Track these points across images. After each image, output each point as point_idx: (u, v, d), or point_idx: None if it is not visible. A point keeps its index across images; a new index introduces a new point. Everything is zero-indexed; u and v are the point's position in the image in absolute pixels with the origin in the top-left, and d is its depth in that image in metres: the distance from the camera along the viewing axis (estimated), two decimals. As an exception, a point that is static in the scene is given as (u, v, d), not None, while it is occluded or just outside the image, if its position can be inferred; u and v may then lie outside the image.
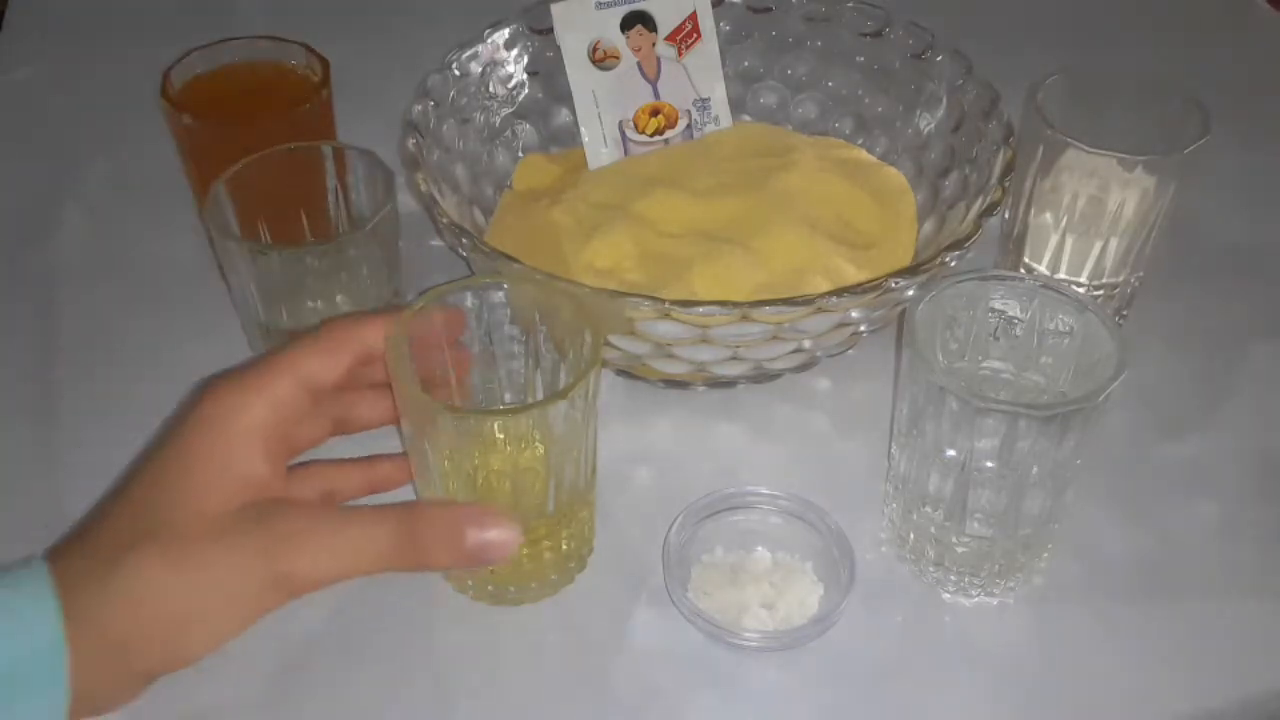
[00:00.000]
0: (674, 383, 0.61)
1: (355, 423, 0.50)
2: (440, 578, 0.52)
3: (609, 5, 0.67)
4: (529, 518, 0.49)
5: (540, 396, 0.52)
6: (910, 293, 0.53)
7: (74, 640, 0.39)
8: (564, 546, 0.51)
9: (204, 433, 0.42)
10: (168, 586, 0.40)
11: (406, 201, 0.58)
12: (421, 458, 0.47)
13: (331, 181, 0.58)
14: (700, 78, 0.70)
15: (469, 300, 0.50)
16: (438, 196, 0.58)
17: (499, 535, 0.42)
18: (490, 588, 0.51)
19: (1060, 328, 0.50)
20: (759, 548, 0.52)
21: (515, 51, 0.69)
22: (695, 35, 0.70)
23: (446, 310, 0.48)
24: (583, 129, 0.69)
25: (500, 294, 0.50)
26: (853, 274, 0.61)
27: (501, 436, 0.47)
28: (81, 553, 0.41)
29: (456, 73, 0.66)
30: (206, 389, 0.43)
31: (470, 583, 0.51)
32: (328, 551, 0.41)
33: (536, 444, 0.48)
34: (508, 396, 0.54)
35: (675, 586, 0.50)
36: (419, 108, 0.62)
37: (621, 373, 0.61)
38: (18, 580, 0.40)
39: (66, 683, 0.39)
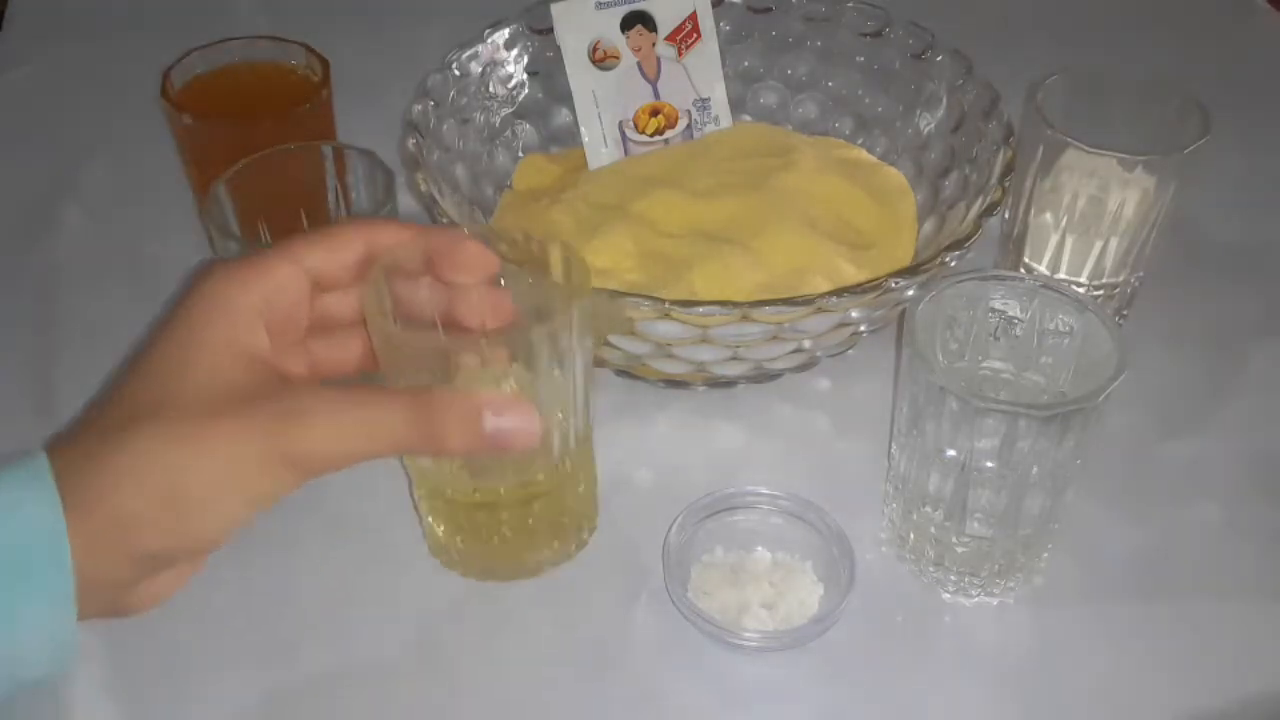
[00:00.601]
0: (674, 383, 0.61)
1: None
2: (429, 560, 0.52)
3: (609, 5, 0.67)
4: (518, 470, 0.47)
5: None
6: (910, 293, 0.53)
7: (75, 523, 0.37)
8: (562, 520, 0.50)
9: (205, 309, 0.40)
10: (171, 462, 0.38)
11: (406, 201, 0.58)
12: None
13: (331, 181, 0.58)
14: (700, 78, 0.70)
15: None
16: (438, 196, 0.58)
17: (518, 421, 0.40)
18: (479, 556, 0.50)
19: (1060, 328, 0.50)
20: (759, 548, 0.52)
21: (515, 51, 0.69)
22: (695, 35, 0.70)
23: (469, 244, 0.45)
24: (583, 129, 0.69)
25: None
26: (853, 274, 0.61)
27: (485, 379, 0.44)
28: (82, 436, 0.39)
29: (456, 73, 0.66)
30: (206, 270, 0.41)
31: (458, 553, 0.50)
32: (338, 429, 0.39)
33: (520, 386, 0.45)
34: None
35: (675, 586, 0.50)
36: (419, 108, 0.63)
37: (621, 373, 0.61)
38: (14, 470, 0.38)
39: (70, 568, 0.37)
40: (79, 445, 0.39)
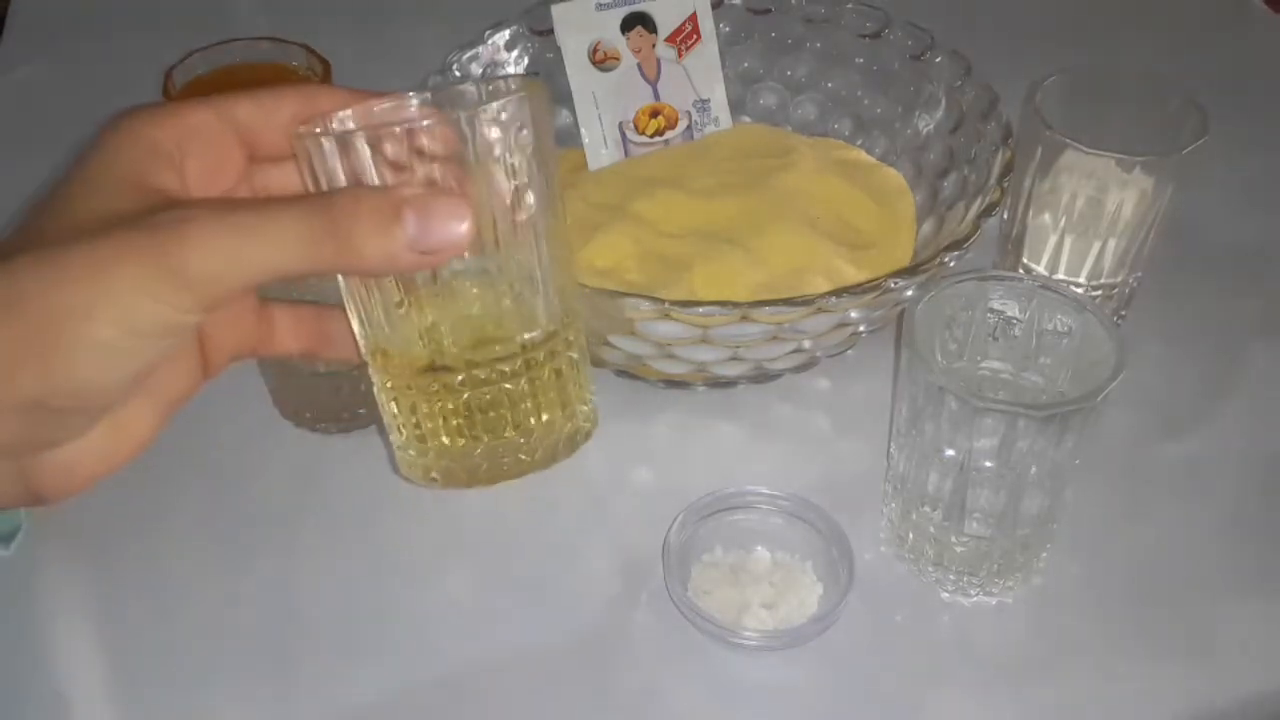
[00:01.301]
0: (674, 383, 0.61)
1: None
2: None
3: (609, 6, 0.68)
4: (497, 359, 0.39)
5: None
6: (909, 293, 0.53)
7: None
8: (552, 394, 0.41)
9: (111, 144, 0.36)
10: (43, 289, 0.33)
11: (406, 202, 0.58)
12: (364, 301, 0.39)
13: (332, 182, 0.58)
14: (700, 79, 0.70)
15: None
16: (438, 197, 0.58)
17: (442, 209, 0.34)
18: (461, 441, 0.40)
19: (1059, 328, 0.50)
20: (759, 547, 0.52)
21: (515, 52, 0.69)
22: (695, 36, 0.70)
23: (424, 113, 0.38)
24: (583, 130, 0.69)
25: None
26: (852, 274, 0.61)
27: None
28: None
29: (456, 73, 0.66)
30: (119, 112, 0.37)
31: (442, 439, 0.40)
32: (227, 238, 0.33)
33: (492, 236, 0.37)
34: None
35: (675, 586, 0.50)
36: (419, 108, 0.63)
37: (621, 373, 0.61)
38: None
39: None
40: None
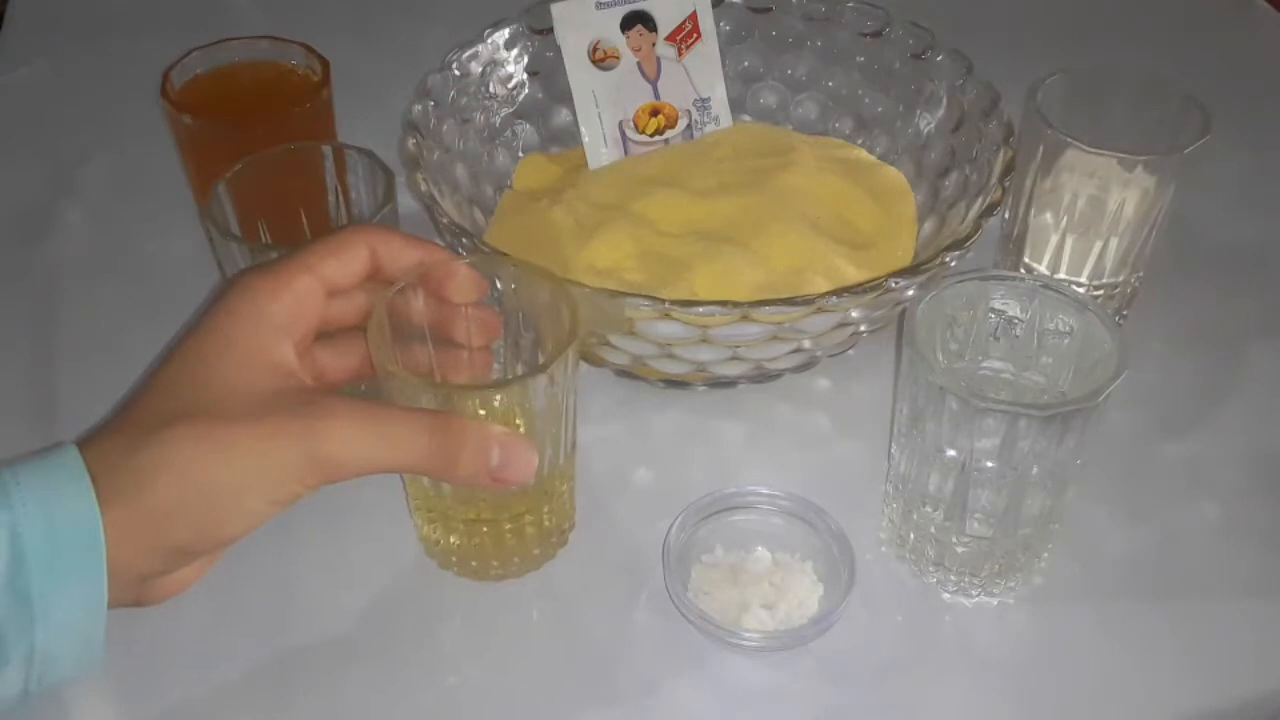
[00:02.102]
0: (674, 383, 0.61)
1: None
2: (426, 559, 0.53)
3: (609, 5, 0.67)
4: (511, 494, 0.49)
5: (519, 374, 0.53)
6: (910, 293, 0.53)
7: (110, 516, 0.39)
8: (545, 522, 0.51)
9: (236, 319, 0.42)
10: (204, 460, 0.40)
11: (406, 201, 0.58)
12: None
13: (331, 181, 0.58)
14: (700, 78, 0.70)
15: None
16: (438, 196, 0.58)
17: (519, 459, 0.43)
18: (474, 563, 0.52)
19: (1060, 328, 0.50)
20: (759, 548, 0.52)
21: (515, 51, 0.69)
22: (695, 35, 0.70)
23: (464, 270, 0.49)
24: (583, 129, 0.69)
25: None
26: (853, 274, 0.61)
27: (483, 413, 0.47)
28: (115, 432, 0.41)
29: (456, 73, 0.66)
30: (235, 280, 0.44)
31: (454, 559, 0.52)
32: (363, 440, 0.41)
33: (517, 420, 0.48)
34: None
35: (675, 586, 0.50)
36: (419, 108, 0.63)
37: (621, 373, 0.61)
38: (49, 461, 0.40)
39: (104, 564, 0.39)
40: (110, 441, 0.40)
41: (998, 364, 0.52)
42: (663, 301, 0.51)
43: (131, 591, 0.42)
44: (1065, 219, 0.62)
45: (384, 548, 0.54)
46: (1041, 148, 0.60)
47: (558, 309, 0.48)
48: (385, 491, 0.54)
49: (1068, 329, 0.50)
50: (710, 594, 0.51)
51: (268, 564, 0.53)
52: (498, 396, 0.48)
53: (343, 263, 0.46)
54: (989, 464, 0.48)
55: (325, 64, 0.62)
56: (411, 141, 0.60)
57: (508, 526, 0.50)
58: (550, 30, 0.68)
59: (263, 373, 0.42)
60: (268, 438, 0.40)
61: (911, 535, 0.52)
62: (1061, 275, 0.64)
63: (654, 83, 0.70)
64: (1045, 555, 0.53)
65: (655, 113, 0.70)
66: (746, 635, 0.49)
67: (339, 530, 0.55)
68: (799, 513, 0.53)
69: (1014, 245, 0.65)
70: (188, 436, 0.40)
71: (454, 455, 0.42)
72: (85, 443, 0.41)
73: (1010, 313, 0.51)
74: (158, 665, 0.49)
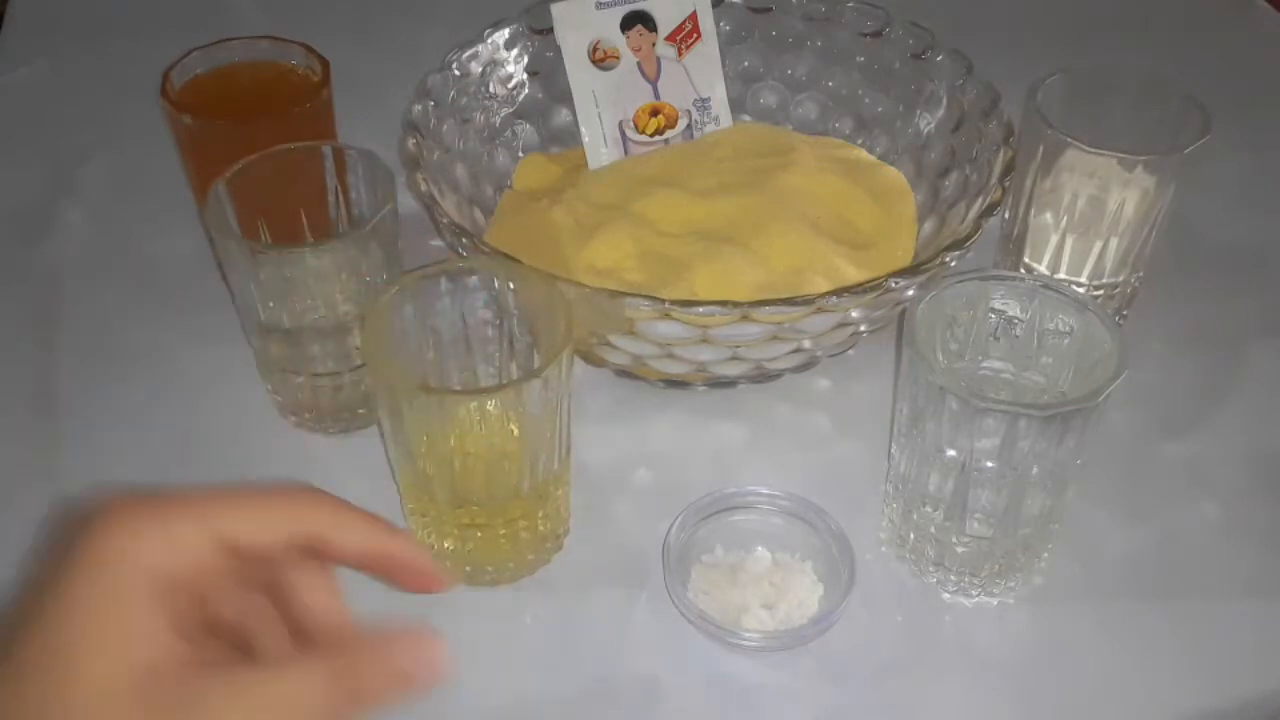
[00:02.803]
0: (674, 383, 0.61)
1: (294, 602, 0.38)
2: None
3: (609, 5, 0.67)
4: (505, 498, 0.49)
5: (515, 378, 0.53)
6: (910, 293, 0.53)
7: None
8: (540, 527, 0.51)
9: (93, 587, 0.33)
10: None
11: (406, 201, 0.58)
12: (398, 440, 0.48)
13: (331, 181, 0.58)
14: (700, 78, 0.70)
15: (443, 285, 0.51)
16: (438, 196, 0.58)
17: (425, 662, 0.36)
18: (468, 568, 0.52)
19: (1060, 328, 0.50)
20: (759, 548, 0.52)
21: (515, 51, 0.69)
22: (695, 35, 0.70)
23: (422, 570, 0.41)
24: (583, 129, 0.69)
25: (474, 279, 0.51)
26: (853, 274, 0.61)
27: (477, 417, 0.47)
28: None
29: (456, 73, 0.66)
30: (98, 523, 0.33)
31: (449, 563, 0.52)
32: None
33: (511, 425, 0.48)
34: (483, 379, 0.54)
35: (675, 586, 0.50)
36: (419, 108, 0.62)
37: (621, 373, 0.61)
38: None
39: None
40: None
41: (998, 364, 0.52)
42: (663, 301, 0.51)
43: None
44: (1065, 219, 0.62)
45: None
46: (1041, 148, 0.60)
47: (553, 312, 0.48)
48: (379, 495, 0.54)
49: (1068, 329, 0.50)
50: (710, 594, 0.51)
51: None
52: (492, 401, 0.48)
53: (255, 525, 0.35)
54: (989, 464, 0.48)
55: (325, 64, 0.62)
56: (411, 141, 0.60)
57: (502, 531, 0.50)
58: (550, 30, 0.68)
59: (127, 675, 0.32)
60: None
61: (911, 535, 0.52)
62: (1061, 275, 0.64)
63: (654, 83, 0.70)
64: (1045, 555, 0.53)
65: (655, 113, 0.70)
66: (746, 635, 0.49)
67: (339, 530, 0.54)
68: (799, 513, 0.53)
69: (1014, 245, 0.65)
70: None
71: (366, 690, 0.35)
72: None
73: (1010, 313, 0.51)
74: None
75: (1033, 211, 0.63)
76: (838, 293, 0.52)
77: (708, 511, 0.53)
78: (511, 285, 0.51)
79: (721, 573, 0.51)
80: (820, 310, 0.52)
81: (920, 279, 0.53)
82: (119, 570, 0.33)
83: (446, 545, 0.51)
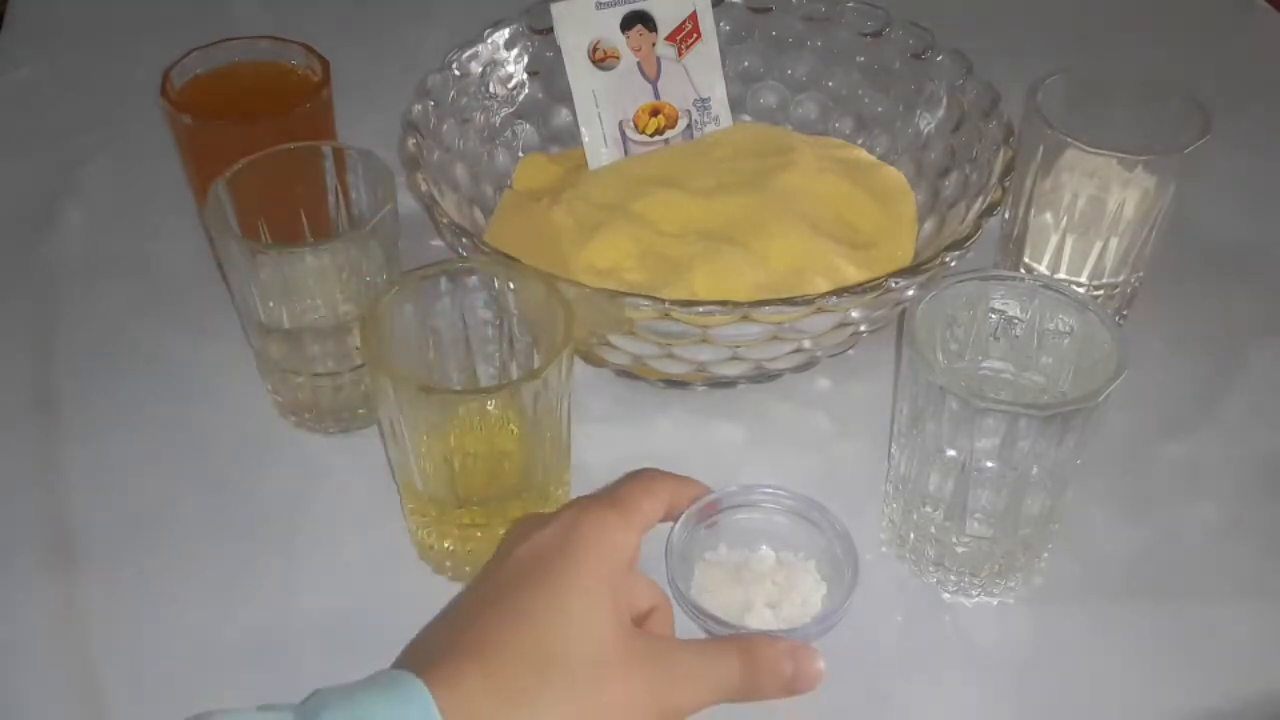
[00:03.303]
0: (674, 383, 0.61)
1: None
2: (421, 563, 0.53)
3: (609, 5, 0.67)
4: (505, 498, 0.49)
5: (515, 378, 0.53)
6: (910, 293, 0.53)
7: None
8: None
9: (595, 566, 0.42)
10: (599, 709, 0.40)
11: (406, 201, 0.58)
12: (398, 440, 0.48)
13: (331, 181, 0.58)
14: (700, 78, 0.70)
15: (443, 284, 0.51)
16: (438, 196, 0.58)
17: (809, 668, 0.45)
18: (468, 568, 0.52)
19: (1060, 328, 0.50)
20: (763, 546, 0.52)
21: (515, 51, 0.69)
22: (695, 35, 0.70)
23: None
24: (583, 129, 0.69)
25: (474, 279, 0.51)
26: (853, 274, 0.61)
27: (477, 417, 0.47)
28: (480, 684, 0.39)
29: (456, 73, 0.66)
30: (586, 520, 0.44)
31: (449, 563, 0.52)
32: (701, 687, 0.42)
33: (511, 425, 0.48)
34: (483, 379, 0.54)
35: (679, 584, 0.50)
36: (419, 108, 0.62)
37: (621, 373, 0.61)
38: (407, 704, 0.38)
39: None
40: (476, 701, 0.38)
41: (998, 364, 0.52)
42: (663, 301, 0.51)
43: None
44: (1065, 219, 0.62)
45: (379, 551, 0.54)
46: (1041, 148, 0.60)
47: (553, 313, 0.48)
48: (380, 496, 0.55)
49: (1068, 329, 0.50)
50: (714, 592, 0.51)
51: (264, 568, 0.53)
52: (492, 401, 0.48)
53: (660, 509, 0.47)
54: (989, 464, 0.48)
55: (325, 64, 0.62)
56: (411, 141, 0.60)
57: (502, 531, 0.50)
58: (550, 30, 0.68)
59: (618, 624, 0.42)
60: (628, 698, 0.41)
61: (911, 535, 0.52)
62: (1061, 275, 0.64)
63: (654, 83, 0.70)
64: (1045, 555, 0.53)
65: (655, 113, 0.70)
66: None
67: (335, 534, 0.55)
68: (803, 511, 0.53)
69: (1014, 245, 0.65)
70: (555, 702, 0.39)
71: (759, 682, 0.44)
72: (438, 686, 0.38)
73: (1010, 313, 0.51)
74: (156, 669, 0.49)
75: (1033, 211, 0.63)
76: (838, 293, 0.52)
77: (710, 511, 0.53)
78: (511, 285, 0.51)
79: (725, 571, 0.51)
80: (820, 310, 0.52)
81: (920, 279, 0.53)
82: (604, 560, 0.42)
83: (446, 545, 0.51)
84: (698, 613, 0.49)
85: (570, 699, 0.39)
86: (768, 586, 0.51)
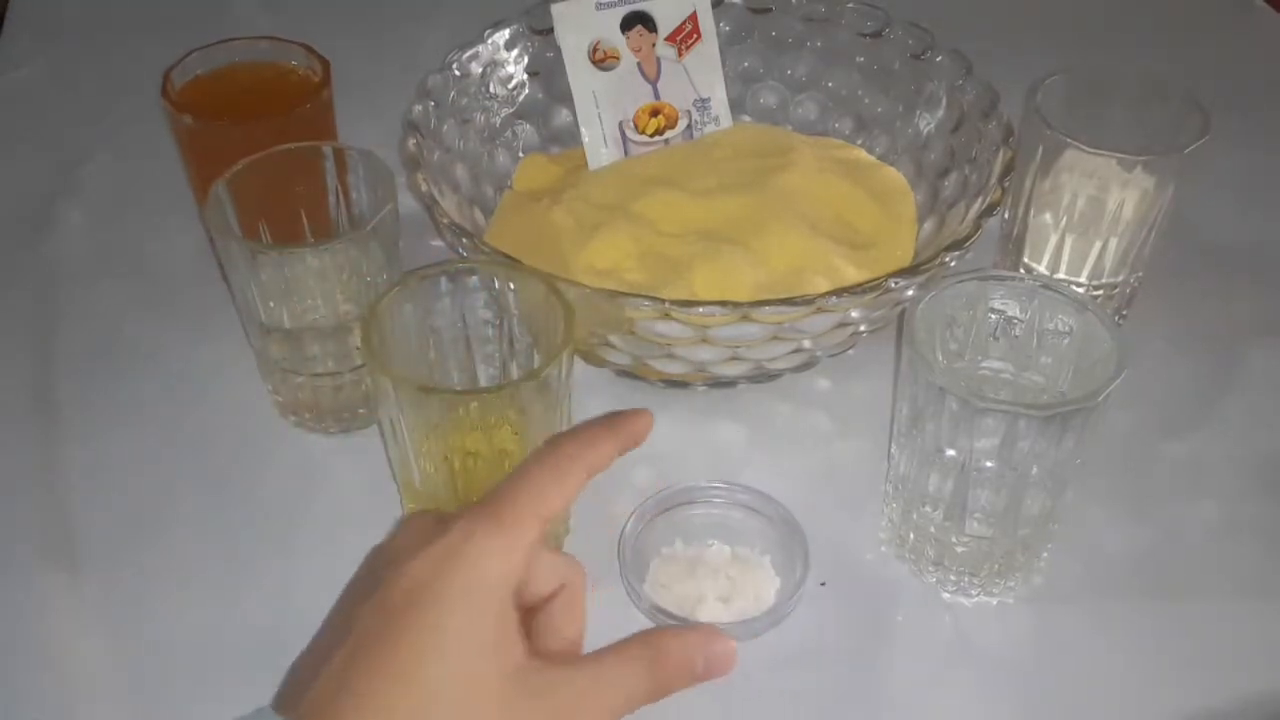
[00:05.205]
0: (674, 383, 0.61)
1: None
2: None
3: (609, 6, 0.67)
4: None
5: (515, 378, 0.53)
6: (910, 293, 0.53)
7: None
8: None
9: (473, 606, 0.38)
10: None
11: (406, 201, 0.58)
12: (398, 440, 0.48)
13: (331, 181, 0.58)
14: (700, 78, 0.70)
15: (443, 284, 0.51)
16: (438, 196, 0.58)
17: (720, 654, 0.42)
18: None
19: (1060, 328, 0.50)
20: (718, 541, 0.52)
21: (515, 52, 0.69)
22: (695, 35, 0.70)
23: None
24: (583, 129, 0.69)
25: (474, 279, 0.51)
26: (853, 274, 0.61)
27: (477, 417, 0.47)
28: None
29: (456, 73, 0.66)
30: (468, 552, 0.38)
31: None
32: (604, 704, 0.40)
33: (511, 424, 0.48)
34: (483, 379, 0.54)
35: (631, 579, 0.50)
36: (419, 108, 0.63)
37: (622, 373, 0.61)
38: None
39: None
40: None
41: (997, 364, 0.52)
42: (663, 301, 0.51)
43: None
44: (1065, 219, 0.62)
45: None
46: (1041, 148, 0.60)
47: (553, 313, 0.48)
48: (379, 495, 0.55)
49: (1067, 329, 0.50)
50: (668, 587, 0.51)
51: (264, 568, 0.53)
52: (492, 401, 0.48)
53: (565, 492, 0.41)
54: (989, 464, 0.48)
55: (325, 64, 0.62)
56: (412, 141, 0.60)
57: None
58: (550, 30, 0.68)
59: (495, 665, 0.38)
60: None
61: (911, 535, 0.52)
62: (1061, 275, 0.64)
63: (654, 83, 0.70)
64: (1045, 555, 0.53)
65: (655, 113, 0.70)
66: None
67: (334, 534, 0.54)
68: (757, 506, 0.54)
69: (1013, 245, 0.65)
70: None
71: (669, 681, 0.41)
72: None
73: (1010, 313, 0.51)
74: (155, 669, 0.49)
75: (1032, 211, 0.63)
76: (838, 293, 0.52)
77: (664, 506, 0.54)
78: (511, 285, 0.51)
79: (680, 565, 0.52)
80: (820, 310, 0.52)
81: (920, 279, 0.53)
82: (483, 588, 0.38)
83: None
84: (650, 608, 0.49)
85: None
86: (721, 580, 0.51)
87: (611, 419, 0.45)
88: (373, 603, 0.39)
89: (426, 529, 0.40)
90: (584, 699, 0.39)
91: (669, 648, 0.41)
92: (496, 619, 0.38)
